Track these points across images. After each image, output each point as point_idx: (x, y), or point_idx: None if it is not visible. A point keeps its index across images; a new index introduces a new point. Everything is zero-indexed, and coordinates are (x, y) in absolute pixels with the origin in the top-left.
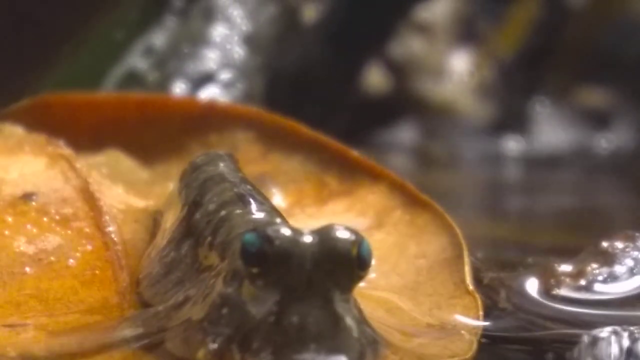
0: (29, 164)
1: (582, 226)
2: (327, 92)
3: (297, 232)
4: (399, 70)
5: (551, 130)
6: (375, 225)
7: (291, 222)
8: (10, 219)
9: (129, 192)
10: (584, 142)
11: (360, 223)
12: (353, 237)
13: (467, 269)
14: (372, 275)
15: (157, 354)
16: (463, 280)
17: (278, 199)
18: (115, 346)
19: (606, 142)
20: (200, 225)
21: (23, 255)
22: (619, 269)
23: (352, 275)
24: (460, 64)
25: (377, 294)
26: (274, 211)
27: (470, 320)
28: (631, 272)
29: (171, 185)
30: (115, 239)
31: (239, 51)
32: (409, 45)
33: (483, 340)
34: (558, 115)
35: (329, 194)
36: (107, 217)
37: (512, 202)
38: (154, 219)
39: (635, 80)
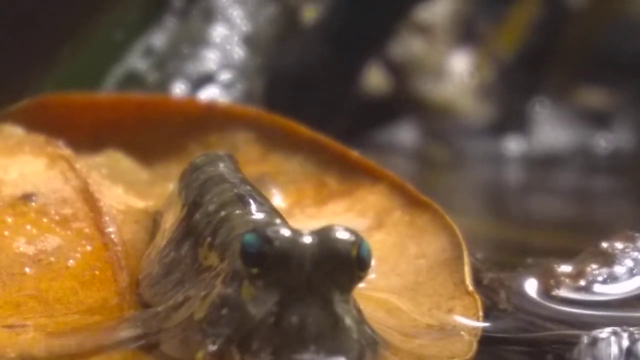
0: (29, 165)
1: (582, 227)
2: (327, 92)
3: (296, 233)
4: (399, 71)
5: (551, 131)
6: (375, 226)
7: (291, 222)
8: (9, 220)
9: (128, 193)
10: (583, 142)
11: (360, 224)
12: (353, 238)
13: (467, 270)
14: (371, 275)
15: (156, 355)
16: (463, 281)
17: (278, 200)
18: (114, 347)
19: (606, 142)
20: (200, 225)
21: (23, 255)
22: (618, 269)
23: (351, 275)
24: (460, 65)
25: (377, 295)
26: (273, 212)
27: (470, 321)
28: (631, 273)
29: (171, 186)
30: (115, 239)
31: (238, 52)
32: (409, 46)
33: (483, 341)
34: (558, 115)
35: (328, 194)
36: (106, 218)
37: (512, 203)
38: (154, 220)
39: (635, 80)
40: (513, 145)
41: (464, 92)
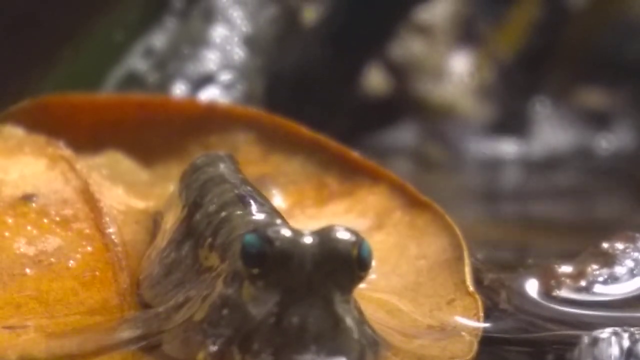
0: (29, 165)
1: (582, 227)
2: (327, 93)
3: (297, 233)
4: (399, 72)
5: (551, 131)
6: (375, 226)
7: (291, 223)
8: (10, 220)
9: (129, 193)
10: (583, 143)
11: (361, 224)
12: (353, 238)
13: (468, 270)
14: (372, 276)
15: (157, 356)
16: (463, 282)
17: (278, 200)
18: (115, 347)
19: (606, 142)
20: (201, 226)
21: (23, 256)
22: (619, 270)
23: (352, 276)
24: (460, 65)
25: (378, 295)
26: (274, 212)
27: (471, 322)
28: (631, 273)
29: (171, 187)
30: (115, 240)
31: (239, 52)
32: (408, 47)
33: (483, 341)
34: (558, 116)
35: (329, 195)
36: (107, 219)
37: (512, 203)
38: (154, 220)
39: (635, 81)
40: (513, 145)
41: (463, 92)
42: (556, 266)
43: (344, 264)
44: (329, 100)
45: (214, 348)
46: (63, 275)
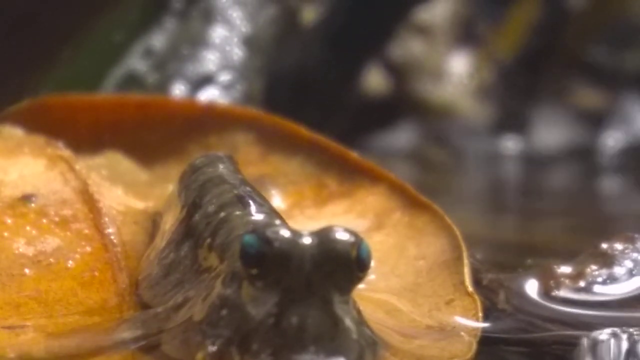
0: (29, 166)
1: (582, 227)
2: (326, 93)
3: (296, 234)
4: (399, 72)
5: (550, 131)
6: (374, 227)
7: (290, 223)
8: (9, 221)
9: (128, 194)
10: (582, 143)
11: (360, 225)
12: (352, 239)
13: (467, 271)
14: (371, 276)
15: (156, 356)
16: (462, 282)
17: (277, 201)
18: (114, 348)
19: (604, 142)
20: (200, 226)
21: (22, 256)
22: (618, 270)
23: (351, 276)
24: (459, 66)
25: (377, 296)
26: (273, 213)
27: (470, 322)
28: (630, 274)
29: (170, 187)
30: (114, 240)
31: (238, 53)
32: (408, 47)
33: (482, 341)
34: (557, 116)
35: (328, 195)
36: (106, 219)
37: (512, 203)
38: (154, 221)
39: (634, 81)
40: (512, 145)
41: (463, 93)
42: (555, 266)
43: (343, 264)
44: (328, 101)
45: (213, 348)
46: (62, 275)
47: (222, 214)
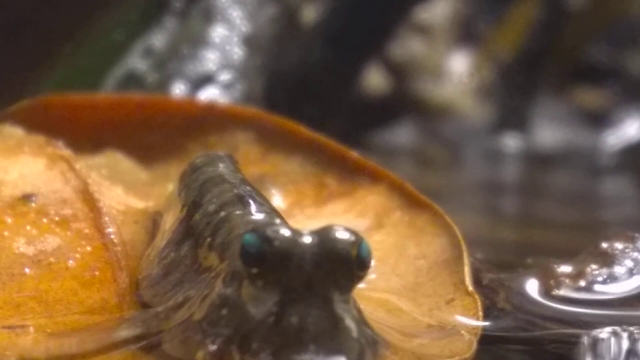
0: (29, 165)
1: (582, 227)
2: (326, 93)
3: (296, 233)
4: (399, 71)
5: (550, 131)
6: (374, 226)
7: (291, 223)
8: (9, 220)
9: (128, 193)
10: (582, 142)
11: (360, 224)
12: (352, 238)
13: (467, 270)
14: (371, 276)
15: (156, 355)
16: (463, 281)
17: (277, 200)
18: (114, 347)
19: (604, 142)
20: (200, 226)
21: (22, 256)
22: (618, 269)
23: (351, 275)
24: (459, 65)
25: (377, 295)
26: (273, 212)
27: (470, 321)
28: (630, 273)
29: (171, 186)
30: (114, 240)
31: (238, 52)
32: (408, 46)
33: (483, 340)
34: (557, 115)
35: (328, 194)
36: (106, 218)
37: (512, 203)
38: (154, 220)
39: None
40: (512, 145)
41: (463, 92)
42: (556, 266)
43: (343, 263)
44: (328, 100)
45: (213, 347)
46: (62, 275)
47: (223, 214)
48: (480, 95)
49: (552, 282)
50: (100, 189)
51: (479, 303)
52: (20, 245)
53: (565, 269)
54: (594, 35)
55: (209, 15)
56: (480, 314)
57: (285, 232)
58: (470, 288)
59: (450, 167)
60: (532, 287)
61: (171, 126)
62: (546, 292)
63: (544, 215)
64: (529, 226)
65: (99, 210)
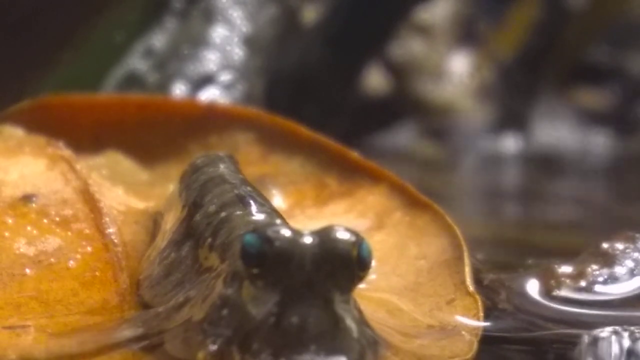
0: (29, 166)
1: (582, 227)
2: (327, 93)
3: (297, 233)
4: (399, 72)
5: (550, 131)
6: (375, 227)
7: (291, 223)
8: (10, 221)
9: (129, 194)
10: (582, 143)
11: (361, 224)
12: (353, 238)
13: (468, 270)
14: (372, 276)
15: (157, 355)
16: (463, 282)
17: (278, 200)
18: (115, 347)
19: (604, 142)
20: (201, 226)
21: (23, 256)
22: (619, 270)
23: (352, 276)
24: (460, 66)
25: (378, 295)
26: (274, 212)
27: (471, 321)
28: (631, 273)
29: (171, 187)
30: (115, 240)
31: (238, 52)
32: (408, 47)
33: (483, 340)
34: (557, 115)
35: (329, 195)
36: (107, 219)
37: (512, 203)
38: (154, 220)
39: (634, 81)
40: (512, 145)
41: (463, 92)
42: (556, 266)
43: (343, 264)
44: (328, 101)
45: (213, 348)
46: (63, 275)
47: (223, 214)
48: (481, 95)
49: (552, 282)
50: (100, 190)
51: (480, 303)
52: (21, 246)
53: (566, 269)
54: (594, 35)
55: (210, 16)
56: (481, 314)
57: (286, 232)
58: (471, 288)
59: (451, 167)
60: (532, 287)
61: (172, 126)
62: (547, 292)
63: (545, 216)
64: (529, 226)
65: (99, 210)
